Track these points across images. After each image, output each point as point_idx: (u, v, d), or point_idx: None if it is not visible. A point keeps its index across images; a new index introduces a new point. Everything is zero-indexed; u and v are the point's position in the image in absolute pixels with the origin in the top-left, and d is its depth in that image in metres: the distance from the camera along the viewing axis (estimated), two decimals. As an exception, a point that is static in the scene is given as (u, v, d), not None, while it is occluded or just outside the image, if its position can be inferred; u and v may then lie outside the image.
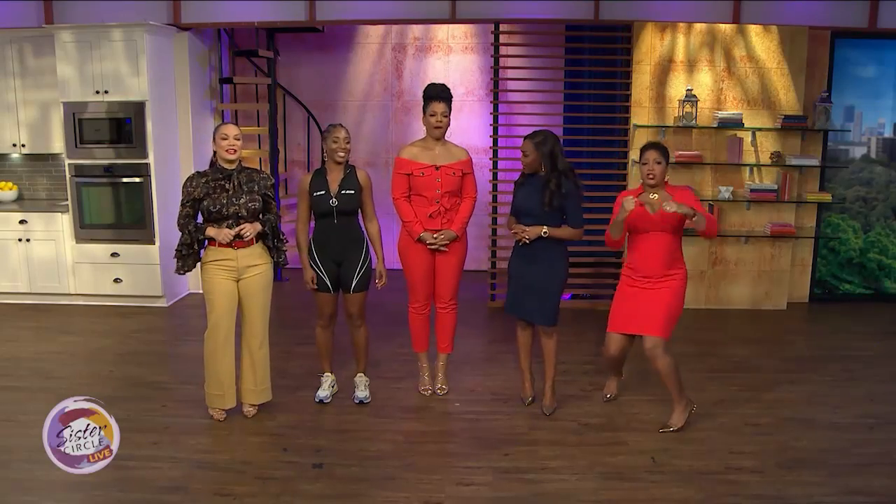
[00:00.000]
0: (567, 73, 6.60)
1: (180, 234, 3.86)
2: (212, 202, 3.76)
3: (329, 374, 4.34)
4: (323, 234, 4.05)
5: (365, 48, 7.40)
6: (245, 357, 4.01)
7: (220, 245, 3.81)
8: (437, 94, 4.07)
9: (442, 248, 4.17)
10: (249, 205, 3.80)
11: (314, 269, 4.07)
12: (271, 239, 3.95)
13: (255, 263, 3.90)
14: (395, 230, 4.33)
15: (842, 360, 5.02)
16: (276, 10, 6.08)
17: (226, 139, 3.77)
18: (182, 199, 3.83)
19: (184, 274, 3.95)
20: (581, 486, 3.38)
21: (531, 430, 3.94)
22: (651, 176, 3.77)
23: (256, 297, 3.93)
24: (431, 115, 4.07)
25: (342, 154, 3.99)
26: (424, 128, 4.16)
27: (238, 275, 3.87)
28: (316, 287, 4.10)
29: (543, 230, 3.87)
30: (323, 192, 3.99)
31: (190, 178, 3.84)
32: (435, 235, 4.14)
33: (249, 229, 3.79)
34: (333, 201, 3.98)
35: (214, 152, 3.84)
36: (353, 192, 4.01)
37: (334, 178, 4.02)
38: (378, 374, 4.46)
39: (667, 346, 3.82)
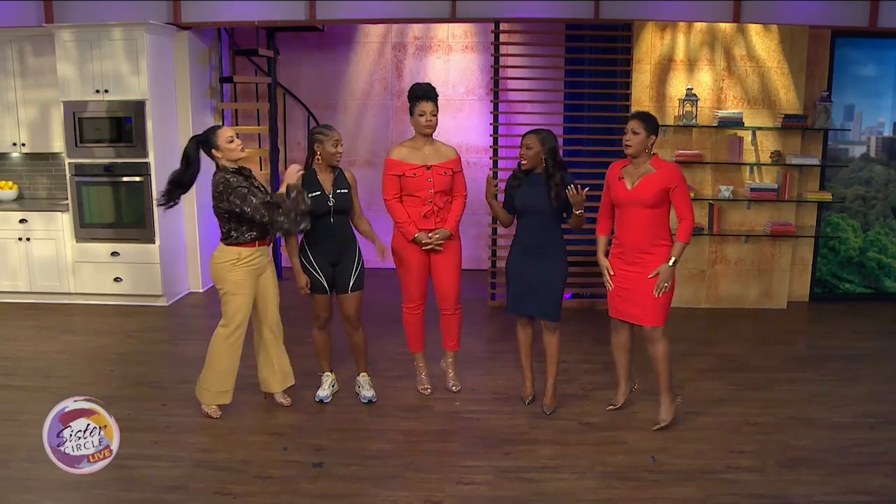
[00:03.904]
0: (567, 73, 6.59)
1: (269, 214, 3.72)
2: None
3: (329, 373, 4.35)
4: (318, 235, 4.05)
5: (365, 47, 7.40)
6: (262, 350, 4.13)
7: (260, 243, 3.90)
8: (425, 93, 4.07)
9: (437, 248, 4.17)
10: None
11: (309, 271, 4.07)
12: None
13: (269, 258, 4.06)
14: (389, 229, 4.31)
15: (842, 360, 5.02)
16: (276, 10, 6.08)
17: (232, 140, 3.85)
18: (243, 192, 3.73)
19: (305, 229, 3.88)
20: (581, 485, 3.38)
21: (531, 429, 3.94)
22: (626, 145, 3.74)
23: (272, 290, 4.09)
24: (420, 115, 4.06)
25: (340, 158, 4.03)
26: (413, 128, 4.15)
27: (260, 272, 3.99)
28: (310, 291, 4.11)
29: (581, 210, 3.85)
30: (318, 193, 3.99)
31: (231, 175, 3.78)
32: (430, 235, 4.14)
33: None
34: (331, 201, 3.99)
35: (217, 159, 3.85)
36: (346, 190, 4.06)
37: (326, 178, 4.03)
38: (377, 374, 4.46)
39: (664, 331, 3.86)
